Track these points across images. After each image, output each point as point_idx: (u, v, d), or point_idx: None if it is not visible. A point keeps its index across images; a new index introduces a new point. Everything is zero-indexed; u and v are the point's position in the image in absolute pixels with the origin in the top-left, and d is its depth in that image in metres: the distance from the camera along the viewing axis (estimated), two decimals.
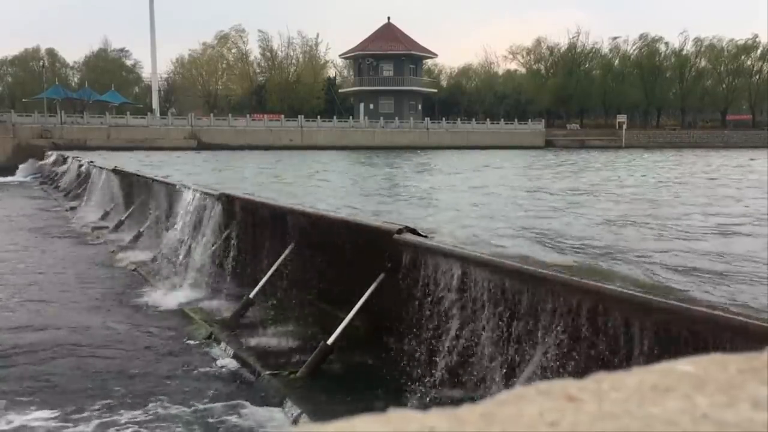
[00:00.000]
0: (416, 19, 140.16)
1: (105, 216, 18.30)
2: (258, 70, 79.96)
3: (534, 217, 10.60)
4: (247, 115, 59.24)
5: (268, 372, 6.68)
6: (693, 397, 0.70)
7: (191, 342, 7.94)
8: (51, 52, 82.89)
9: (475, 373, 5.43)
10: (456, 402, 0.70)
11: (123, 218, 16.44)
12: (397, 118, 63.81)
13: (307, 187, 17.77)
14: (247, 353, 7.31)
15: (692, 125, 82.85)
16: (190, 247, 10.97)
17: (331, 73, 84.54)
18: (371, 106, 69.61)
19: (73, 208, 20.71)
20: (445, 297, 5.73)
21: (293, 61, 78.65)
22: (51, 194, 26.86)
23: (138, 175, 16.80)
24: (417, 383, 5.70)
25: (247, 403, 6.14)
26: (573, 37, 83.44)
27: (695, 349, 3.66)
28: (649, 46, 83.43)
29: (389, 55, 70.63)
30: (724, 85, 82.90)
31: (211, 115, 59.36)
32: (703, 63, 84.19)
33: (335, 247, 7.79)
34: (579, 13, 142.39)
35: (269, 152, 45.32)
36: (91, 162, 23.40)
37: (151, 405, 6.01)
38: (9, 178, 36.27)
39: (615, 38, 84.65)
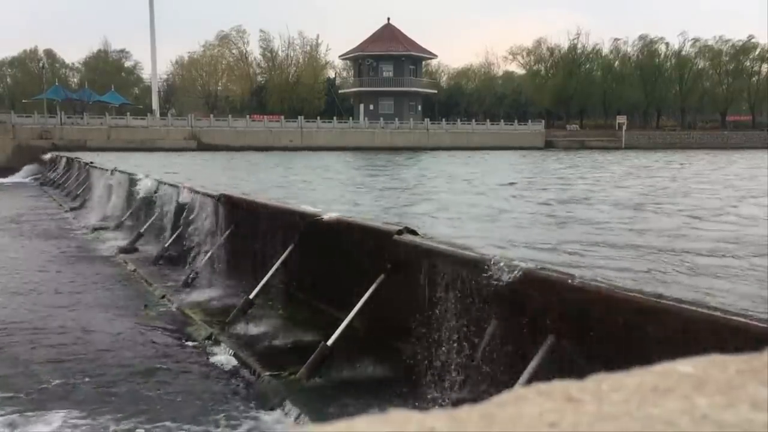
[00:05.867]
0: (416, 19, 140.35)
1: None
2: (258, 71, 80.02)
3: None
4: (247, 116, 59.28)
5: (267, 373, 6.68)
6: (693, 398, 0.70)
7: (191, 342, 7.94)
8: (49, 53, 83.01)
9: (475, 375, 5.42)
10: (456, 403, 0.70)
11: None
12: (397, 118, 63.84)
13: None
14: (247, 354, 7.30)
15: (692, 126, 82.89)
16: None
17: (331, 73, 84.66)
18: (371, 106, 69.67)
19: None
20: (444, 297, 5.73)
21: (293, 61, 78.70)
22: None
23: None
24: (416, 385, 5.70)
25: (247, 404, 6.14)
26: (573, 39, 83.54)
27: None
28: (649, 47, 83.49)
29: (389, 55, 70.68)
30: (723, 86, 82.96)
31: (211, 116, 59.37)
32: (703, 64, 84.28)
33: (335, 247, 7.79)
34: (579, 14, 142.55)
35: (277, 153, 45.66)
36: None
37: (149, 405, 6.01)
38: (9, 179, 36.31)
39: (615, 39, 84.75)
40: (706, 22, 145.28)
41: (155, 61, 65.60)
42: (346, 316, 6.78)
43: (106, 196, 18.49)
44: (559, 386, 0.73)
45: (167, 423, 5.71)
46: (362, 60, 72.08)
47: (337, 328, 6.73)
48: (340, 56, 79.38)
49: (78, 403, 6.04)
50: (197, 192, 11.76)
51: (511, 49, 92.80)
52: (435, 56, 78.58)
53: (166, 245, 12.58)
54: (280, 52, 78.50)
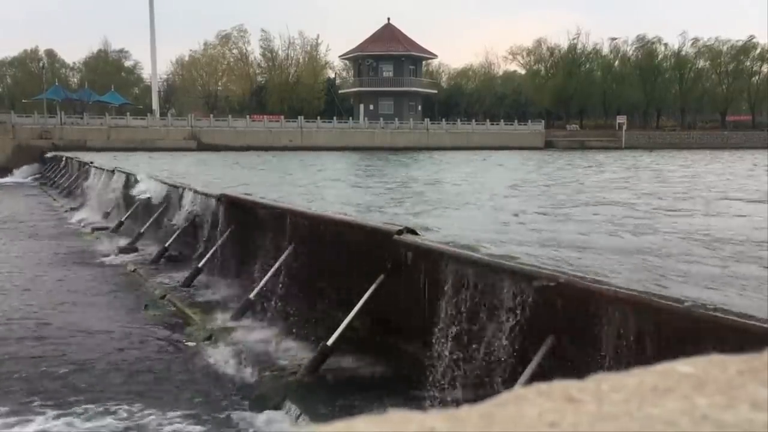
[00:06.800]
0: (416, 19, 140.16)
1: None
2: (258, 71, 79.97)
3: None
4: (247, 116, 59.26)
5: (267, 373, 6.68)
6: (693, 398, 0.70)
7: (191, 342, 7.94)
8: (50, 53, 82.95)
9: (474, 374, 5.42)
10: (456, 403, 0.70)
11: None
12: (396, 118, 63.79)
13: None
14: (247, 354, 7.31)
15: (692, 126, 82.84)
16: None
17: (331, 74, 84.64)
18: (371, 106, 69.60)
19: None
20: (445, 297, 5.73)
21: (293, 61, 78.64)
22: None
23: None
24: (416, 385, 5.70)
25: (247, 404, 6.15)
26: (573, 39, 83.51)
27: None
28: (647, 47, 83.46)
29: (389, 55, 70.64)
30: (723, 86, 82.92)
31: (211, 116, 59.36)
32: (702, 64, 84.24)
33: (335, 247, 7.79)
34: (579, 14, 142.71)
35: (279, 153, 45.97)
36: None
37: (149, 406, 6.01)
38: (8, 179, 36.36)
39: (614, 39, 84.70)
40: (707, 22, 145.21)
41: (155, 61, 65.58)
42: (346, 316, 6.79)
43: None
44: (559, 386, 0.73)
45: (166, 422, 5.71)
46: (362, 60, 72.03)
47: (337, 327, 6.74)
48: (340, 56, 79.38)
49: (78, 401, 6.04)
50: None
51: (511, 49, 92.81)
52: (435, 56, 78.53)
53: (167, 245, 12.62)
54: (280, 52, 78.49)
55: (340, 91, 77.24)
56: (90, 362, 7.18)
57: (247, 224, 10.15)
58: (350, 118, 65.55)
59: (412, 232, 6.51)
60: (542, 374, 4.66)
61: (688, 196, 15.34)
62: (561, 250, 7.55)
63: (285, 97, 73.23)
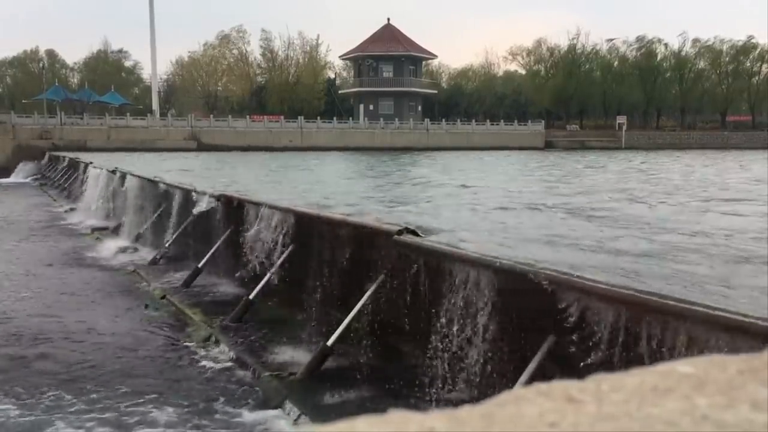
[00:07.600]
0: (416, 19, 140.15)
1: None
2: (258, 71, 79.94)
3: None
4: (247, 117, 59.25)
5: (267, 373, 6.68)
6: (693, 398, 0.70)
7: (190, 343, 7.94)
8: (50, 53, 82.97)
9: (473, 375, 5.42)
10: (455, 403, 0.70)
11: None
12: (396, 119, 63.77)
13: None
14: (247, 354, 7.31)
15: (692, 126, 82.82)
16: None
17: (331, 74, 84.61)
18: (371, 107, 69.59)
19: None
20: (444, 298, 5.73)
21: (293, 62, 78.61)
22: None
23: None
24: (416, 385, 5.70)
25: (247, 405, 6.14)
26: (573, 39, 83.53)
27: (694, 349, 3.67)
28: (647, 48, 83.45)
29: (389, 56, 70.63)
30: (723, 87, 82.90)
31: (211, 116, 59.35)
32: (702, 64, 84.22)
33: (335, 247, 7.78)
34: (579, 14, 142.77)
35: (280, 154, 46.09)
36: None
37: (149, 406, 6.01)
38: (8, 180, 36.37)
39: (609, 40, 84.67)
40: (707, 22, 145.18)
41: (155, 61, 65.55)
42: (345, 316, 6.79)
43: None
44: (559, 386, 0.73)
45: (166, 423, 5.71)
46: (362, 60, 72.00)
47: (336, 328, 6.74)
48: (340, 56, 79.33)
49: (77, 401, 6.04)
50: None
51: (511, 49, 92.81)
52: (435, 56, 78.48)
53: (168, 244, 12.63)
54: (280, 53, 78.45)
55: (340, 92, 77.22)
56: (89, 362, 7.18)
57: (247, 224, 10.14)
58: (350, 118, 65.53)
59: (413, 232, 6.52)
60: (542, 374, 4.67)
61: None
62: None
63: (285, 97, 73.22)
